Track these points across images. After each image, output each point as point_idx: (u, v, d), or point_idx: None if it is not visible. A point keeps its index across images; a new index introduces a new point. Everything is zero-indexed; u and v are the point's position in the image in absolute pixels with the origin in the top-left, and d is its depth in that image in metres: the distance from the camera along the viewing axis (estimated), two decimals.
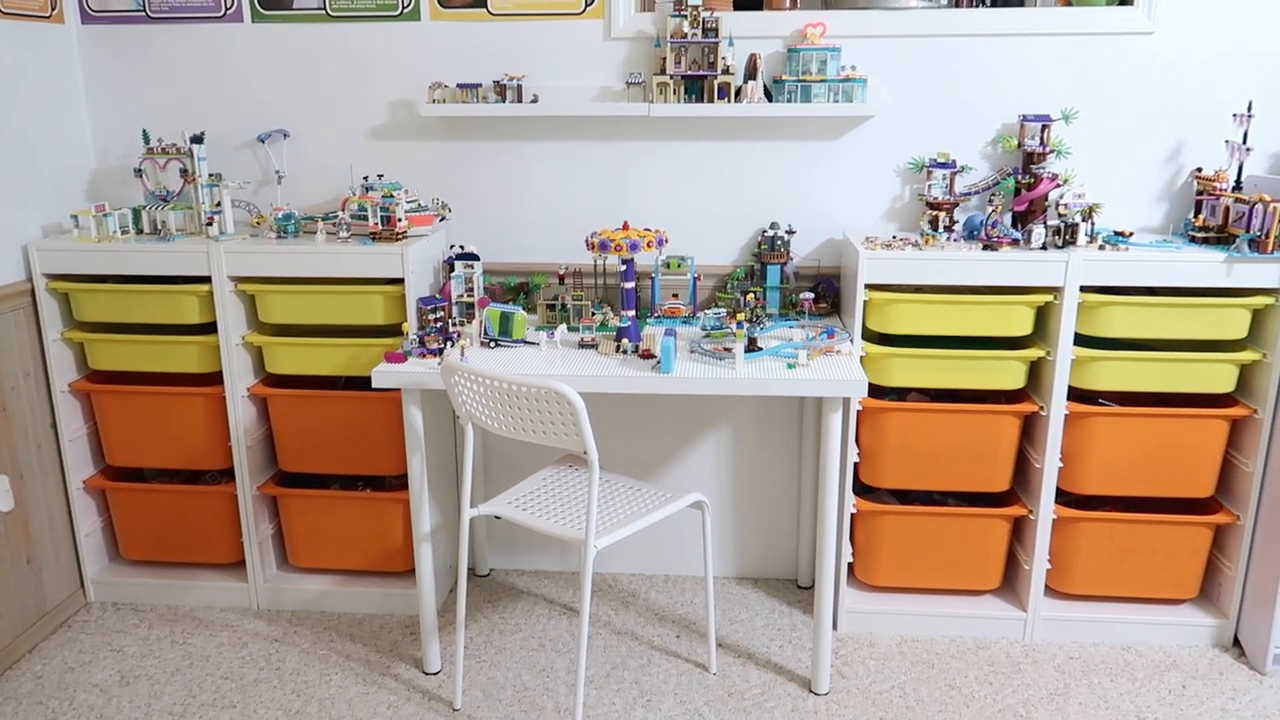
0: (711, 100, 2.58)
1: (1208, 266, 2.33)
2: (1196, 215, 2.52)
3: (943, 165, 2.59)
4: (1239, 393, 2.48)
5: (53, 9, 2.69)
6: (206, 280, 2.57)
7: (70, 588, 2.80)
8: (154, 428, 2.72)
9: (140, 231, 2.70)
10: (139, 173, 2.69)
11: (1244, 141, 2.47)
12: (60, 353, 2.69)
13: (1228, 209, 2.43)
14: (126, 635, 2.69)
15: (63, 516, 2.76)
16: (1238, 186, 2.49)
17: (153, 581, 2.84)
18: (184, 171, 2.66)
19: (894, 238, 2.57)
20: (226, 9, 2.72)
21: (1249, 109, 2.48)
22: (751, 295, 2.63)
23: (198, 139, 2.62)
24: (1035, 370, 2.53)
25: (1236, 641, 2.60)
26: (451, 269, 2.56)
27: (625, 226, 2.43)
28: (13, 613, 2.57)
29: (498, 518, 2.30)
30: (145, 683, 2.47)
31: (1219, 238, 2.44)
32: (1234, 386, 2.45)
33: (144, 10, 2.74)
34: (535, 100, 2.67)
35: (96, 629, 2.72)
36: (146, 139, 2.70)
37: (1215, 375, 2.42)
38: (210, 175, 2.65)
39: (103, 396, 2.73)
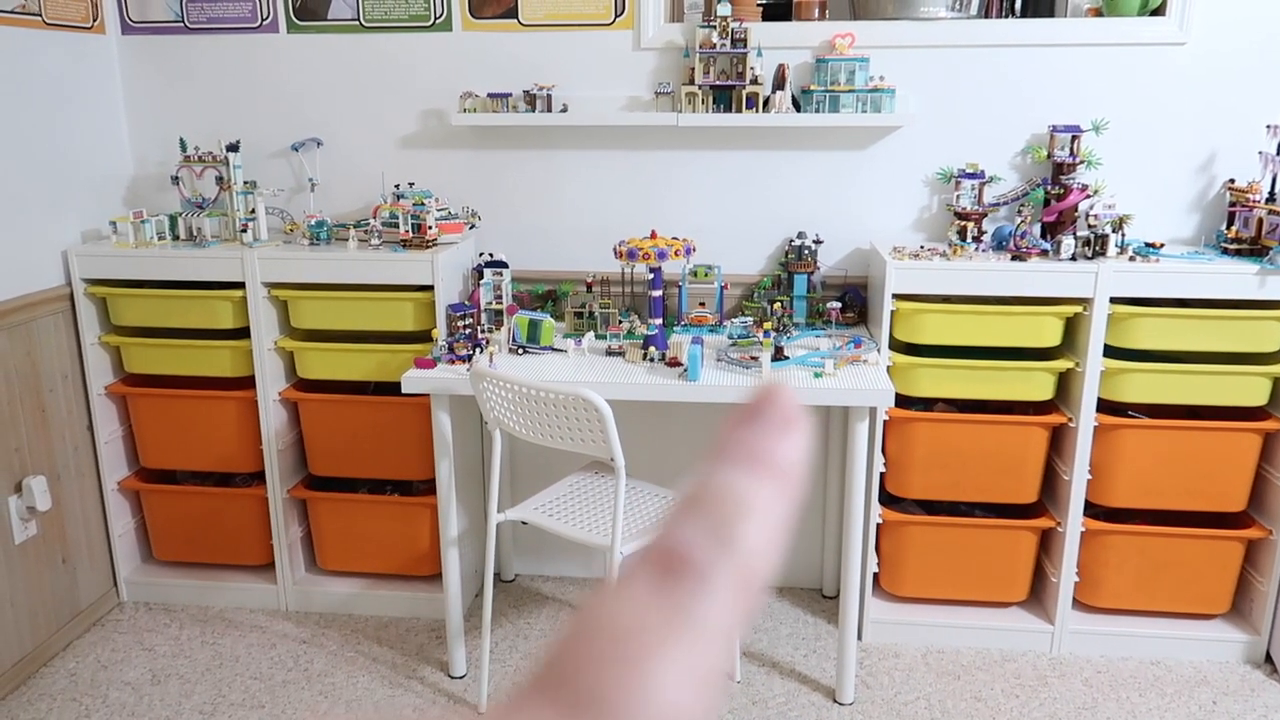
0: (740, 110, 2.59)
1: (1240, 278, 2.31)
2: (1229, 227, 2.49)
3: (971, 175, 2.59)
4: (1272, 406, 2.45)
5: (94, 20, 2.75)
6: (240, 286, 2.61)
7: (104, 587, 2.85)
8: (187, 430, 2.76)
9: (176, 238, 2.75)
10: (176, 180, 2.74)
11: (1278, 153, 2.45)
12: (97, 356, 2.74)
13: (1261, 221, 2.41)
14: (158, 635, 2.73)
15: (97, 517, 2.81)
16: (1271, 198, 2.47)
17: (184, 582, 2.88)
18: (220, 179, 2.71)
19: (922, 248, 2.56)
20: (262, 19, 2.77)
21: None
22: (778, 304, 2.63)
23: (233, 147, 2.67)
24: (1064, 381, 2.52)
25: (1269, 658, 2.56)
26: (481, 276, 2.59)
27: (653, 235, 2.45)
28: (48, 611, 2.62)
29: (524, 523, 2.31)
30: (176, 682, 2.51)
31: (1252, 249, 2.42)
32: (1267, 399, 2.42)
33: (182, 21, 2.79)
34: (565, 109, 2.69)
35: (129, 628, 2.77)
36: (183, 147, 2.75)
37: (1248, 388, 2.40)
38: (245, 182, 2.70)
39: (138, 399, 2.78)
